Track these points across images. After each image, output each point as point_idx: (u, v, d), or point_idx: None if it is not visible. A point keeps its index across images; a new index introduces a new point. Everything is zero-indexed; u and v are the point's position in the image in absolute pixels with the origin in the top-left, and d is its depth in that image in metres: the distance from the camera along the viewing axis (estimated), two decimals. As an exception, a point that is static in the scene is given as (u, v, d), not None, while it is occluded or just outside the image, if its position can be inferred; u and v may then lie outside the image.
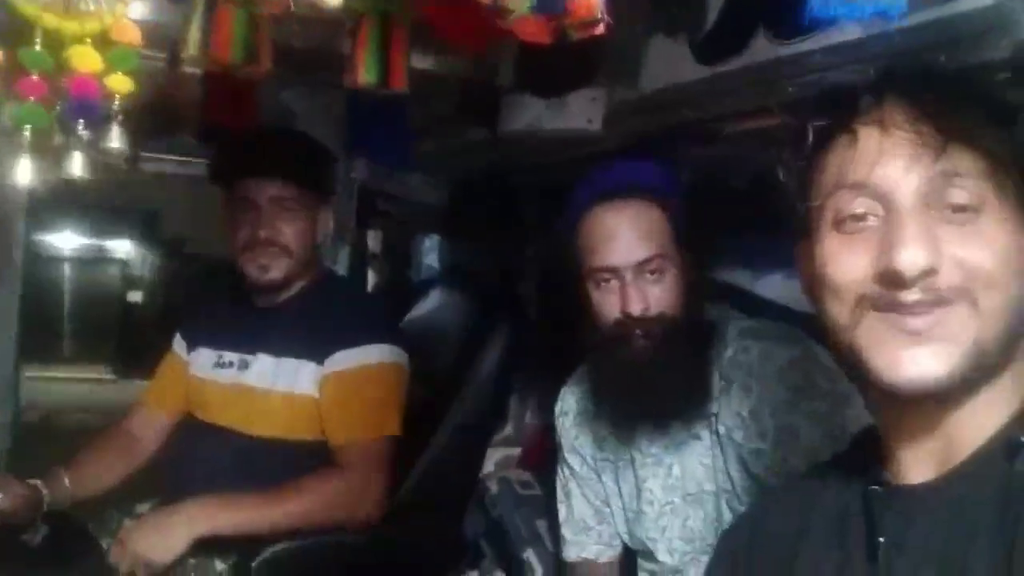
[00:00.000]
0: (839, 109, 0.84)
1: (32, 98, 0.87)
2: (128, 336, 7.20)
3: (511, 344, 2.30)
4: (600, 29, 1.01)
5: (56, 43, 0.95)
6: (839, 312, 0.82)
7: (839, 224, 0.82)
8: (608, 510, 1.64)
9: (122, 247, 7.01)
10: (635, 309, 1.37)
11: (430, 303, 2.43)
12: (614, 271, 1.39)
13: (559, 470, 1.72)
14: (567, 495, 1.70)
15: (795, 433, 1.32)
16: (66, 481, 1.84)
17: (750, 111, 1.56)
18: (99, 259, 7.02)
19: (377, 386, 1.84)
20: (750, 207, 1.48)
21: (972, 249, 0.77)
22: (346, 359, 1.82)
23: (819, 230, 0.84)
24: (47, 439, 2.80)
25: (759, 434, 1.36)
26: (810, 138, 0.86)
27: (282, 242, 1.84)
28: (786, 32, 1.36)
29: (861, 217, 0.80)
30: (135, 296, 7.14)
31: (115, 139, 1.02)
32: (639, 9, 1.55)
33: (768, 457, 1.35)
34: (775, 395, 1.35)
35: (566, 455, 1.69)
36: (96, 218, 6.46)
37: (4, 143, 1.13)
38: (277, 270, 1.85)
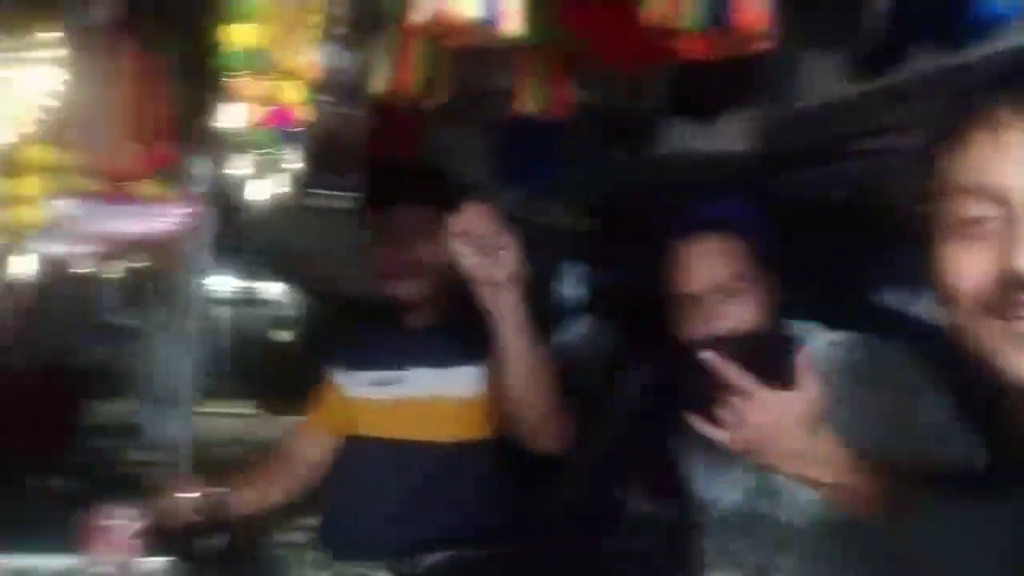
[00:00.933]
0: (953, 113, 0.84)
1: (271, 125, 0.96)
2: (276, 374, 7.52)
3: (656, 369, 2.31)
4: (767, 43, 1.04)
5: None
6: (961, 317, 0.81)
7: (957, 229, 0.82)
8: (737, 548, 1.62)
9: (272, 289, 7.39)
10: (717, 329, 1.45)
11: (576, 329, 2.47)
12: (696, 296, 1.48)
13: (692, 501, 1.73)
14: (702, 527, 1.70)
15: (865, 431, 1.34)
16: (244, 493, 1.96)
17: (909, 125, 1.55)
18: (251, 300, 7.42)
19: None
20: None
21: None
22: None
23: (938, 236, 0.84)
24: (203, 470, 3.00)
25: (861, 441, 1.34)
26: (926, 143, 0.86)
27: (424, 264, 1.93)
28: (951, 40, 1.35)
29: (978, 221, 0.79)
30: (282, 335, 7.49)
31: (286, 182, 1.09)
32: (792, 25, 1.56)
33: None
34: (844, 397, 1.37)
35: (695, 485, 1.70)
36: (248, 261, 6.86)
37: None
38: (421, 290, 1.95)
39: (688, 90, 1.76)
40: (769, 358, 1.44)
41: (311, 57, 1.17)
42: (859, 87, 1.56)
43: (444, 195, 1.99)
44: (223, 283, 7.03)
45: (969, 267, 0.80)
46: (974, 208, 0.80)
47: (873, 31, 1.50)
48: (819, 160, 1.74)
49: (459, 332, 1.94)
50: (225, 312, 7.30)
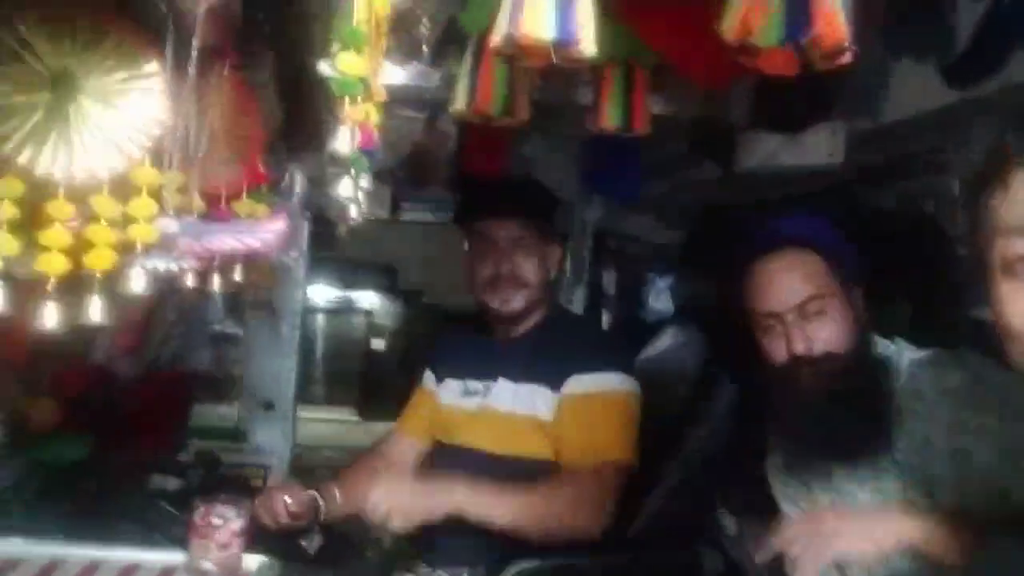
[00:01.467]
0: (995, 154, 0.83)
1: (363, 146, 1.02)
2: (371, 381, 7.70)
3: (744, 383, 2.28)
4: (847, 58, 1.03)
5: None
6: (1019, 353, 0.82)
7: (1008, 267, 0.81)
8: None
9: (367, 298, 7.59)
10: (799, 349, 1.43)
11: (664, 342, 2.46)
12: (777, 316, 1.46)
13: (781, 519, 1.71)
14: None
15: (968, 454, 1.31)
16: (337, 496, 2.03)
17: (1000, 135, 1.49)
18: (347, 309, 7.63)
19: (612, 411, 1.91)
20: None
21: None
22: (581, 384, 1.91)
23: (992, 273, 0.83)
24: (299, 474, 3.11)
25: (935, 460, 1.35)
26: (976, 183, 0.85)
27: (521, 276, 1.98)
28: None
29: None
30: (378, 344, 7.67)
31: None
32: (882, 35, 1.53)
33: (947, 483, 1.33)
34: (946, 418, 1.35)
35: (781, 504, 1.68)
36: (344, 272, 7.07)
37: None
38: (518, 302, 1.99)
39: (774, 103, 1.74)
40: (852, 380, 1.43)
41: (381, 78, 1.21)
42: (950, 99, 1.51)
43: (542, 209, 2.04)
44: (322, 293, 7.27)
45: (1020, 307, 0.81)
46: (1021, 248, 0.80)
47: (965, 41, 1.46)
48: (908, 174, 1.70)
49: (544, 350, 1.98)
50: (323, 321, 7.55)
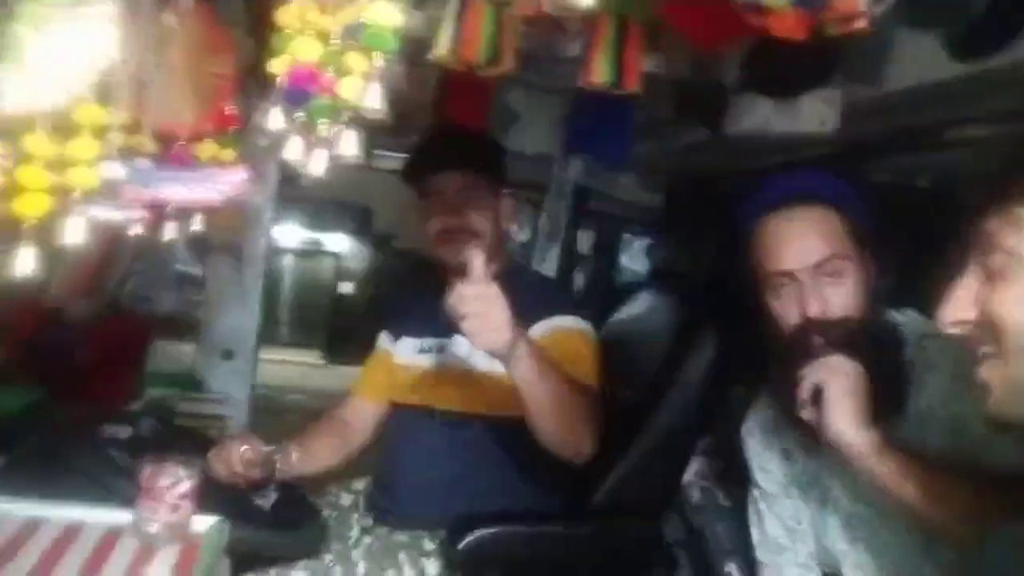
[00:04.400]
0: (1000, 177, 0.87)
1: (323, 93, 0.93)
2: (339, 324, 7.66)
3: (720, 350, 2.24)
4: (862, 23, 0.96)
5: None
6: None
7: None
8: (801, 528, 1.57)
9: (337, 241, 7.50)
10: (814, 310, 1.36)
11: (638, 305, 2.41)
12: (791, 275, 1.38)
13: (749, 491, 1.67)
14: (759, 516, 1.64)
15: (964, 423, 1.27)
16: (293, 456, 1.97)
17: (1009, 113, 1.44)
18: (316, 252, 7.54)
19: (578, 343, 1.88)
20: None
21: None
22: (546, 327, 1.87)
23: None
24: (265, 415, 3.05)
25: (937, 431, 1.32)
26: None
27: (472, 227, 1.93)
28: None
29: None
30: (347, 288, 7.61)
31: (351, 145, 1.05)
32: (887, 1, 1.46)
33: (948, 454, 1.29)
34: (947, 388, 1.32)
35: (755, 475, 1.64)
36: (314, 214, 6.95)
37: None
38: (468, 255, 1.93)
39: (769, 66, 1.66)
40: (869, 347, 1.35)
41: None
42: (957, 71, 1.44)
43: (489, 160, 1.99)
44: (291, 233, 7.15)
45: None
46: None
47: (977, 10, 1.38)
48: (909, 147, 1.63)
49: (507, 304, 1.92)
50: (292, 262, 7.45)
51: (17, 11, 0.86)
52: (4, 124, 0.85)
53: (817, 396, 1.31)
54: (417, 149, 2.08)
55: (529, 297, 1.91)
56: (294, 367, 6.80)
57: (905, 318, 1.46)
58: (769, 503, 1.62)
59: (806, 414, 1.33)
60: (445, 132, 2.14)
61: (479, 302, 1.51)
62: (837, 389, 1.29)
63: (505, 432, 1.86)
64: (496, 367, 1.86)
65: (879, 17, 1.44)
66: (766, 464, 1.62)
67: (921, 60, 1.52)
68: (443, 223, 1.94)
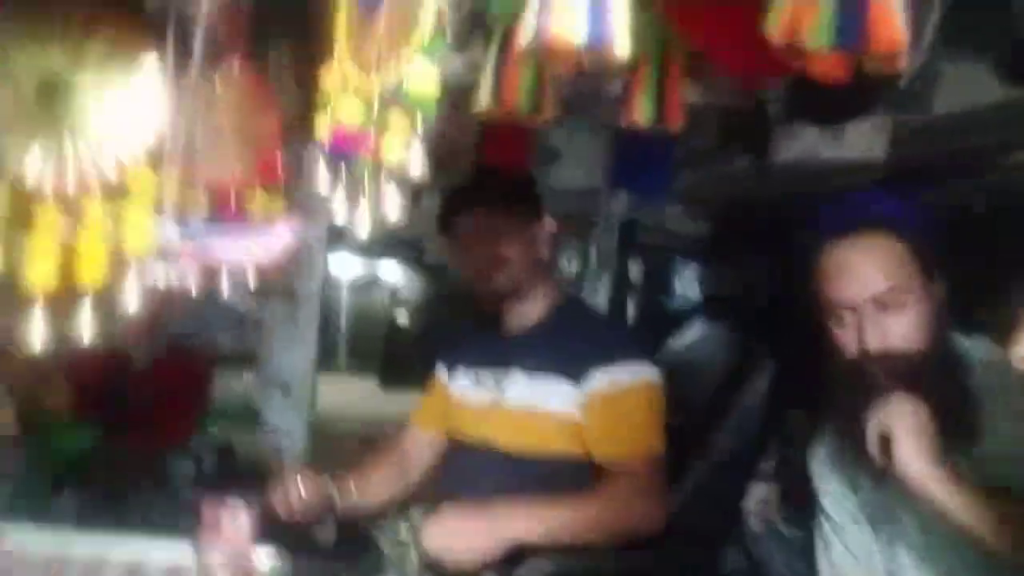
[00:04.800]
0: None
1: (362, 152, 0.95)
2: (394, 352, 7.73)
3: (776, 376, 2.22)
4: (903, 61, 0.94)
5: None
6: None
7: None
8: (870, 560, 1.52)
9: (391, 271, 7.60)
10: (871, 344, 1.33)
11: (692, 334, 2.40)
12: (852, 306, 1.35)
13: (816, 519, 1.63)
14: (826, 546, 1.60)
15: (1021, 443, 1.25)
16: (352, 488, 1.99)
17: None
18: (370, 282, 7.65)
19: (645, 402, 1.86)
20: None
21: None
22: (608, 377, 1.85)
23: None
24: (322, 442, 3.09)
25: (1007, 461, 1.28)
26: None
27: (500, 255, 1.93)
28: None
29: None
30: (401, 316, 7.69)
31: (394, 203, 1.07)
32: (934, 28, 1.43)
33: (1012, 478, 1.25)
34: (1009, 412, 1.29)
35: (822, 503, 1.60)
36: (369, 246, 7.07)
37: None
38: (503, 281, 1.94)
39: (814, 94, 1.65)
40: (934, 377, 1.32)
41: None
42: (1007, 95, 1.41)
43: (510, 192, 2.00)
44: (347, 266, 7.28)
45: None
46: None
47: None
48: (961, 172, 1.60)
49: (559, 340, 1.92)
50: (348, 293, 7.59)
51: (73, 85, 0.90)
52: (63, 194, 0.89)
53: (885, 440, 1.29)
54: (446, 198, 2.09)
55: (586, 339, 1.92)
56: (351, 394, 6.89)
57: (971, 343, 1.42)
58: (837, 533, 1.58)
59: (872, 450, 1.30)
60: (473, 175, 2.15)
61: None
62: (902, 430, 1.26)
63: (560, 469, 1.85)
64: (552, 404, 1.88)
65: (924, 50, 1.43)
66: (833, 493, 1.58)
67: (970, 84, 1.49)
68: (475, 259, 1.95)
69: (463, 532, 1.68)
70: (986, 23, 1.40)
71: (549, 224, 2.03)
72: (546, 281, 2.04)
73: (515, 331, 2.02)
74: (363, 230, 1.00)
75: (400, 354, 7.31)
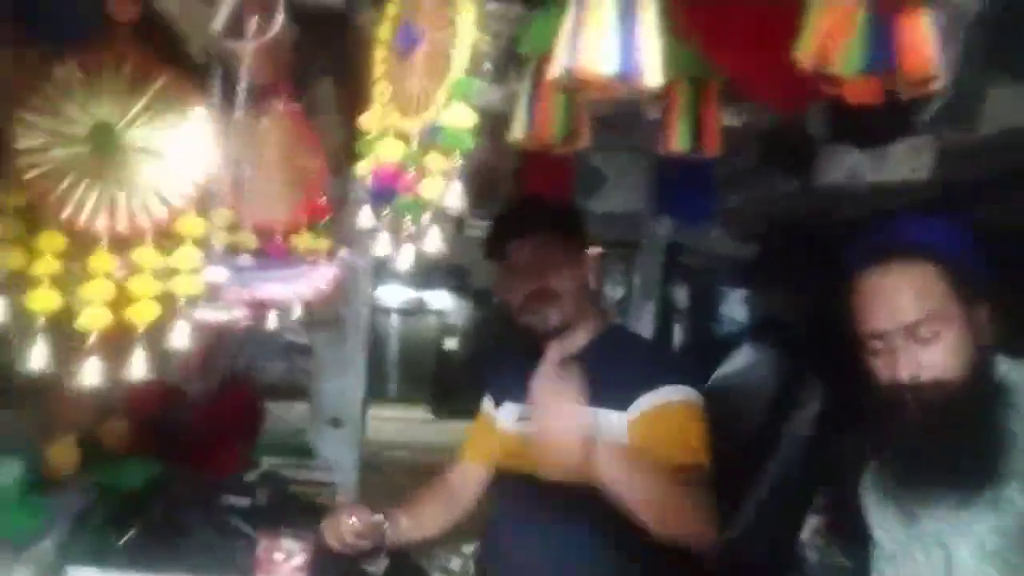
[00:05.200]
0: None
1: (406, 192, 0.98)
2: (444, 379, 7.75)
3: (828, 400, 2.18)
4: (936, 86, 0.94)
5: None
6: None
7: None
8: None
9: (439, 299, 7.64)
10: (904, 375, 1.30)
11: (740, 360, 2.38)
12: (883, 335, 1.32)
13: (870, 550, 1.60)
14: None
15: None
16: (402, 523, 2.01)
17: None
18: (419, 310, 7.70)
19: (690, 417, 1.83)
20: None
21: None
22: (651, 399, 1.83)
23: None
24: (373, 472, 3.11)
25: None
26: None
27: (551, 289, 1.92)
28: None
29: None
30: (451, 343, 7.72)
31: (435, 240, 1.08)
32: (979, 48, 1.41)
33: None
34: None
35: (875, 533, 1.57)
36: (417, 274, 7.13)
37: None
38: (555, 316, 1.93)
39: (856, 115, 1.63)
40: (972, 405, 1.30)
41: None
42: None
43: (558, 221, 1.99)
44: (394, 294, 7.35)
45: None
46: None
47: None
48: (1008, 191, 1.57)
49: (604, 370, 1.91)
50: (397, 321, 7.64)
51: (124, 134, 0.94)
52: (116, 238, 0.93)
53: None
54: (492, 224, 2.10)
55: (632, 367, 1.91)
56: (402, 422, 6.91)
57: (1009, 365, 1.38)
58: (890, 563, 1.55)
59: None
60: (517, 202, 2.16)
61: (552, 397, 1.54)
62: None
63: (605, 500, 1.84)
64: (600, 436, 1.86)
65: (964, 70, 1.41)
66: (885, 522, 1.55)
67: (1016, 103, 1.47)
68: (522, 289, 1.94)
69: (563, 414, 1.59)
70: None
71: (594, 251, 2.03)
72: (593, 310, 2.04)
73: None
74: (406, 264, 1.02)
75: (451, 380, 7.33)
